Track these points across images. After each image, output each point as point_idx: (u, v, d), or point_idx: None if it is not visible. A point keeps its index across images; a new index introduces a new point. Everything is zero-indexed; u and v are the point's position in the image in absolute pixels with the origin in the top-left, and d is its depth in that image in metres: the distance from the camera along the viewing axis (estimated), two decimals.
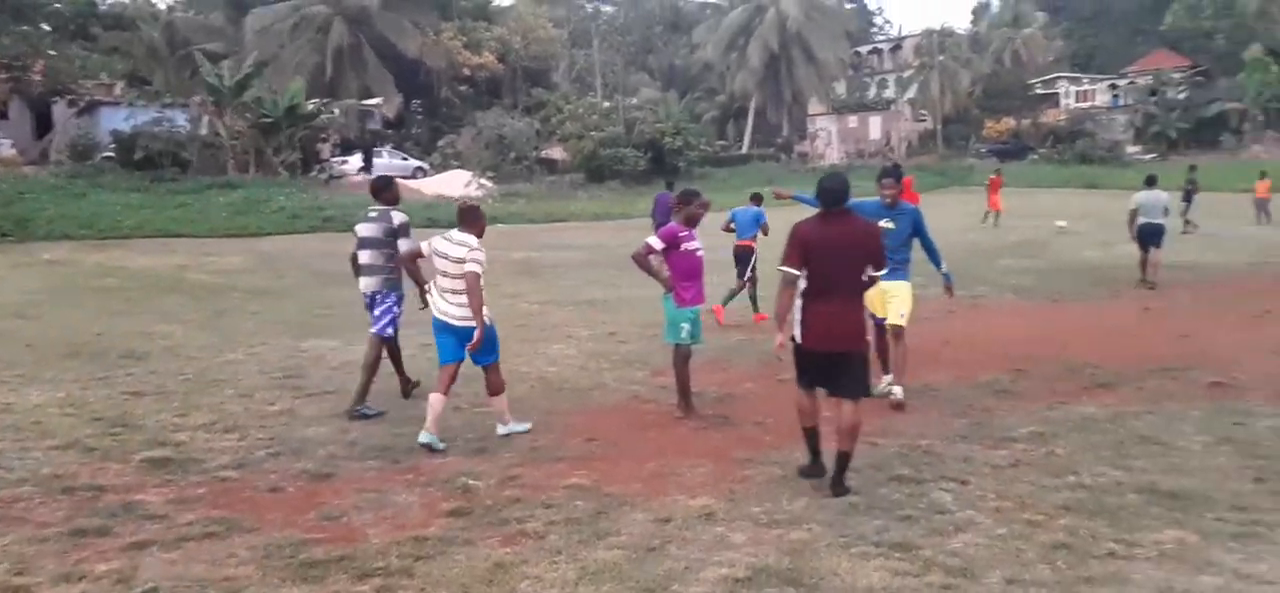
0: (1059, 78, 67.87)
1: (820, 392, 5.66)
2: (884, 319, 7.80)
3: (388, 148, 44.03)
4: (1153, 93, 57.98)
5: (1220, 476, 5.86)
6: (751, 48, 55.82)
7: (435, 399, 6.49)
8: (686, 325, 7.28)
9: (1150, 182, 15.85)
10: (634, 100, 55.57)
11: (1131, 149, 54.56)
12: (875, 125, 67.95)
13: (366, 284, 7.57)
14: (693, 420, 7.29)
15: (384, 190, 7.64)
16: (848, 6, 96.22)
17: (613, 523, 5.09)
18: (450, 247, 6.38)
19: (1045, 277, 16.33)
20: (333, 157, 38.83)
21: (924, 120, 65.40)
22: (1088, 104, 65.04)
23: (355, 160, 39.27)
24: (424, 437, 6.38)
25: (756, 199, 12.85)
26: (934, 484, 5.70)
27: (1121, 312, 12.88)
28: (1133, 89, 61.81)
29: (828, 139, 63.77)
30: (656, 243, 7.20)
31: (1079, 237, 23.35)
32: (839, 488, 5.42)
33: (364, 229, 7.51)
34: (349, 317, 11.18)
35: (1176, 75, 59.96)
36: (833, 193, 5.42)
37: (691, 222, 7.38)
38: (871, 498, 5.46)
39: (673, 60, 71.48)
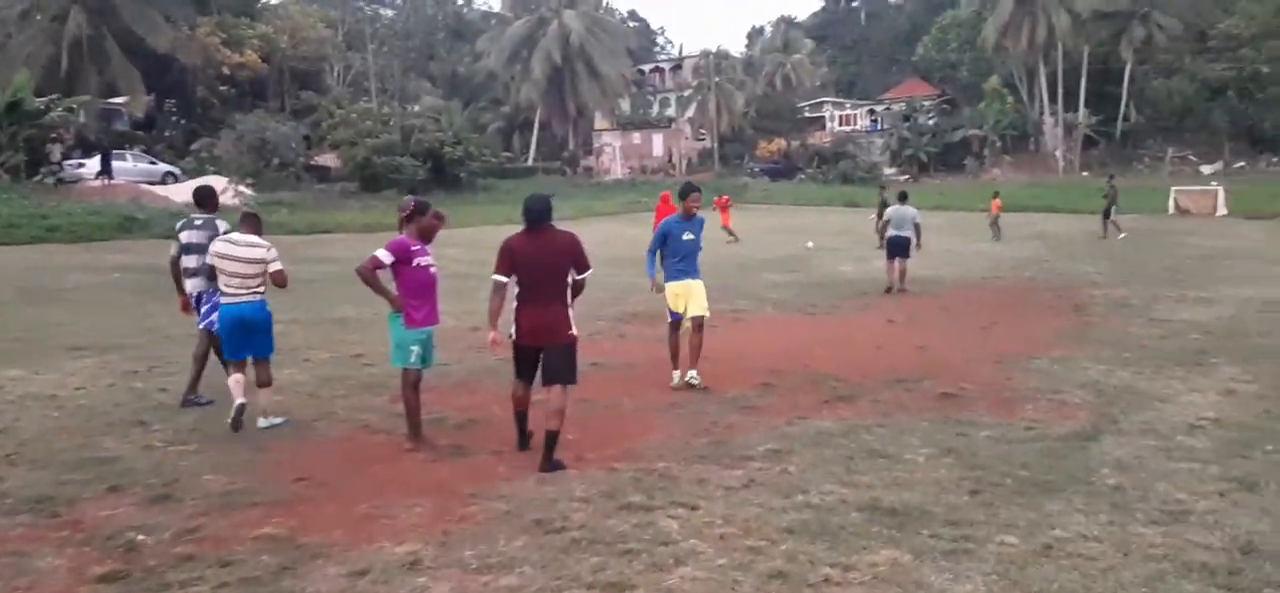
0: (825, 102, 72.25)
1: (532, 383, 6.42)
2: (681, 315, 9.02)
3: (134, 150, 40.12)
4: (906, 118, 62.81)
5: (939, 489, 5.97)
6: (535, 59, 55.66)
7: (235, 381, 7.11)
8: (416, 348, 6.71)
9: (903, 197, 17.40)
10: (416, 107, 53.91)
11: (888, 171, 58.78)
12: (658, 143, 69.59)
13: (193, 285, 8.10)
14: (423, 452, 6.72)
15: (207, 200, 8.30)
16: (630, 25, 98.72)
17: (298, 581, 4.45)
18: (240, 249, 7.18)
19: (803, 291, 16.93)
20: (66, 159, 34.92)
21: (704, 139, 67.62)
22: (850, 128, 69.62)
23: (93, 164, 35.50)
24: (262, 422, 7.24)
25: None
26: (663, 512, 5.45)
27: (869, 324, 13.43)
28: (889, 114, 66.72)
29: (613, 155, 64.58)
30: (385, 256, 6.59)
31: (836, 252, 24.59)
32: (548, 464, 6.18)
33: (189, 235, 8.09)
34: (47, 342, 9.75)
35: (927, 103, 65.27)
36: (535, 211, 6.28)
37: (425, 235, 6.83)
38: (597, 530, 5.12)
39: (456, 68, 70.10)
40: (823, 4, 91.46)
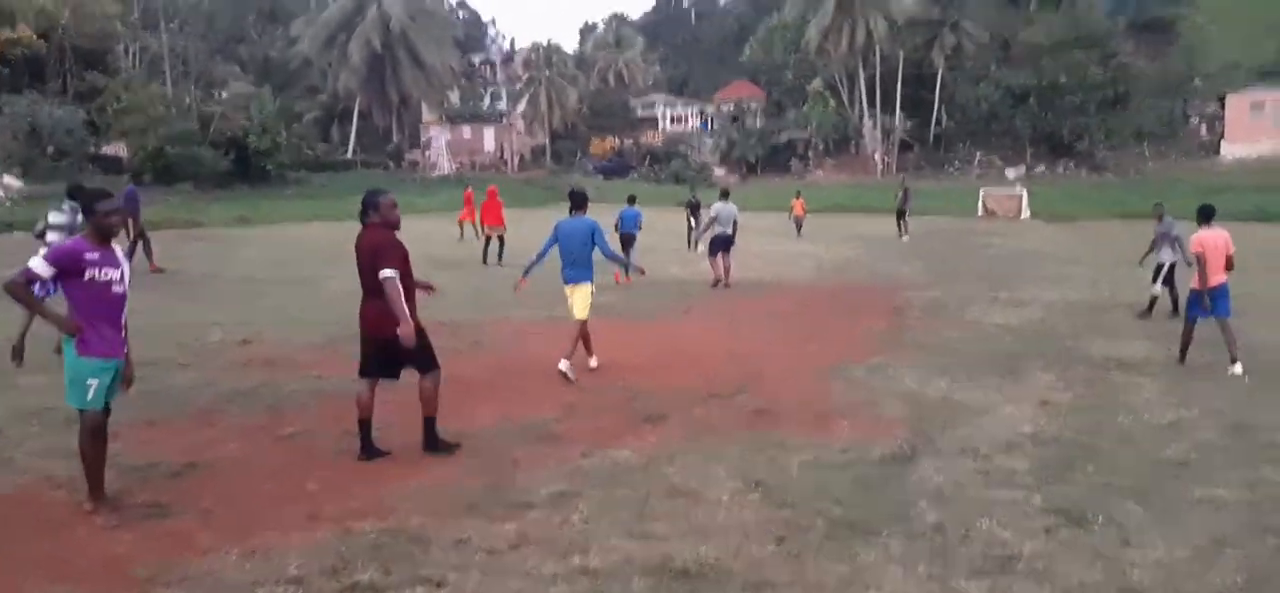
0: (657, 100, 72.37)
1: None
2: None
3: None
4: (735, 119, 63.67)
5: (742, 537, 5.10)
6: (353, 45, 52.79)
7: None
8: (95, 382, 5.23)
9: (724, 194, 17.76)
10: (223, 94, 49.97)
11: (718, 171, 59.34)
12: (489, 137, 67.78)
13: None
14: (105, 514, 5.26)
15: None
16: (460, 15, 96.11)
17: None
18: None
19: (628, 295, 16.03)
20: None
21: (537, 135, 66.33)
22: (682, 127, 70.02)
23: None
24: None
25: (631, 200, 19.73)
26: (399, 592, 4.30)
27: (689, 331, 12.67)
28: (720, 115, 67.49)
29: (440, 149, 62.31)
30: (42, 268, 5.09)
31: (667, 253, 23.96)
32: (432, 446, 6.49)
33: (55, 217, 8.97)
34: None
35: (754, 105, 66.40)
36: (363, 205, 6.30)
37: (104, 235, 5.32)
38: None
39: (268, 53, 65.75)
40: (654, 3, 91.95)
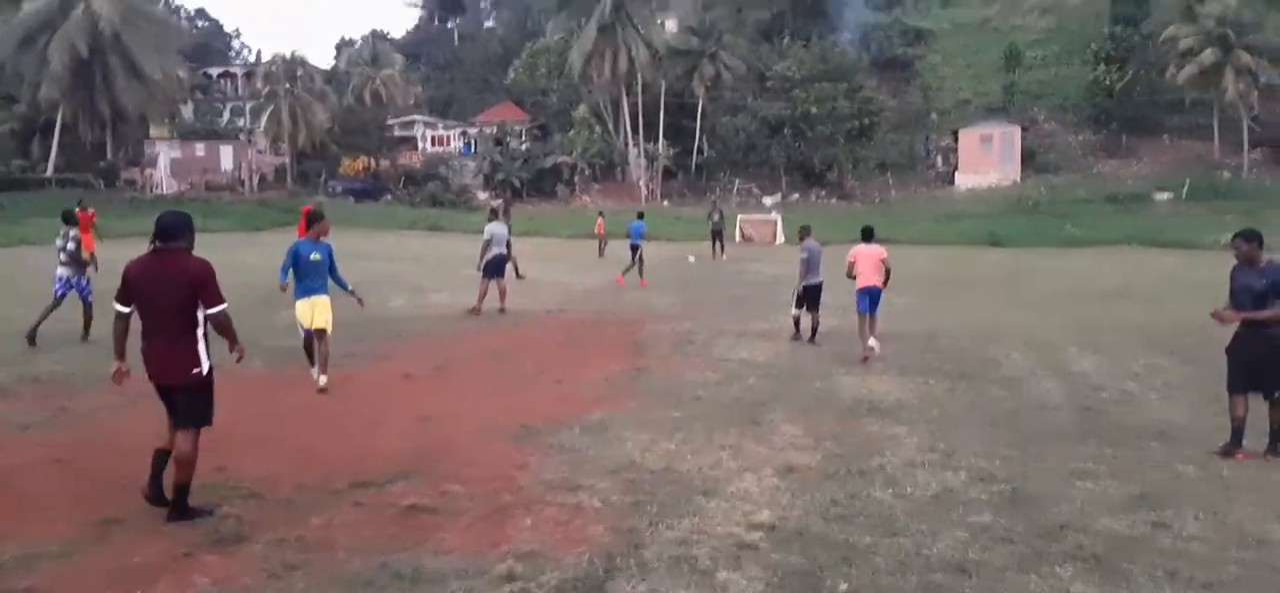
0: (417, 121, 68.70)
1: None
2: (311, 329, 9.39)
3: None
4: (498, 142, 61.30)
5: None
6: (54, 49, 45.77)
7: None
8: None
9: (493, 214, 17.52)
10: None
11: (482, 195, 56.74)
12: (226, 155, 61.54)
13: None
14: None
15: None
16: (199, 23, 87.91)
17: None
18: None
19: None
20: None
21: (283, 154, 60.88)
22: (443, 148, 66.77)
23: None
24: None
25: (640, 216, 23.63)
26: None
27: (378, 381, 10.23)
28: (483, 137, 64.88)
29: (164, 167, 55.77)
30: None
31: (394, 284, 21.23)
32: (174, 512, 5.43)
33: None
34: None
35: (518, 127, 64.38)
36: (161, 229, 5.46)
37: None
38: None
39: None
40: (416, 22, 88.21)
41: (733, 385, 10.07)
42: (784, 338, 13.52)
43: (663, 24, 59.92)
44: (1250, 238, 7.39)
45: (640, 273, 21.38)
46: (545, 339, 13.34)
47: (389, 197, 54.89)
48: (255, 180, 58.13)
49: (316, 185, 55.30)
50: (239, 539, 5.23)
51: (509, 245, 16.52)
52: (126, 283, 5.47)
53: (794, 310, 13.53)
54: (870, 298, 12.05)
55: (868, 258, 12.18)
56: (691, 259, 28.16)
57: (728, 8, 63.05)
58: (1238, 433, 7.26)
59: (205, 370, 5.46)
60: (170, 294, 5.37)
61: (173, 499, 5.44)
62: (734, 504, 5.86)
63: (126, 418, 7.65)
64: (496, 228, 16.15)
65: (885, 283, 12.17)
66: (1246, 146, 46.81)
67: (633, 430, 7.84)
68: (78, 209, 17.94)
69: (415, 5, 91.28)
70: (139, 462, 5.76)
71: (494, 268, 15.95)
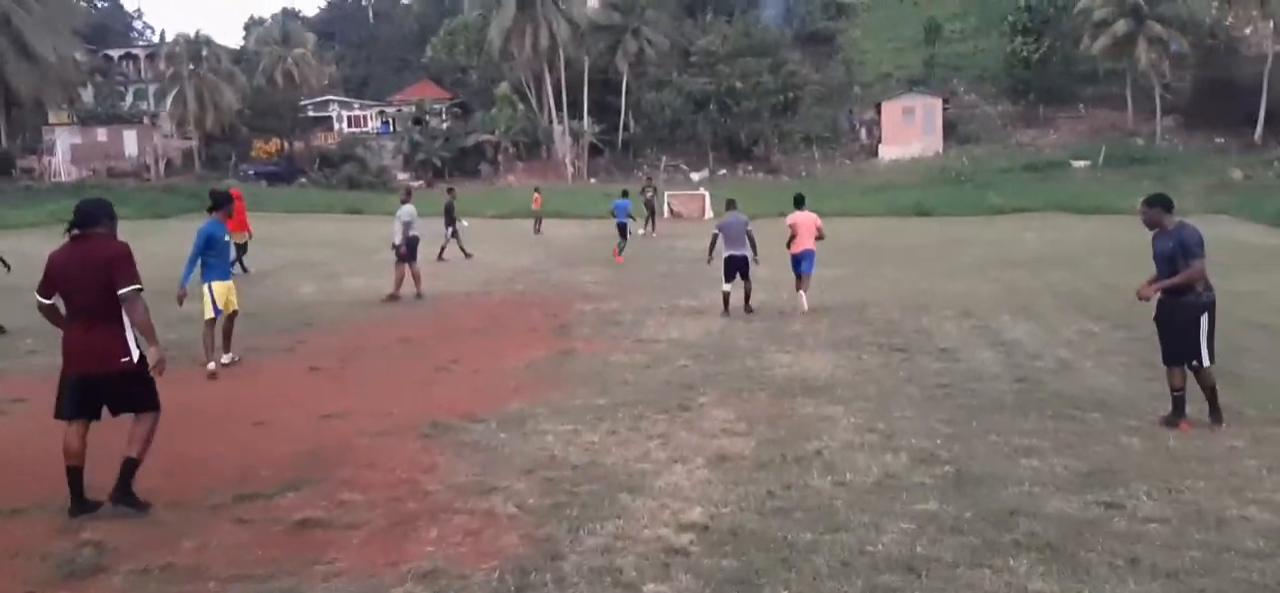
0: (331, 101, 66.49)
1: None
2: (222, 311, 9.56)
3: None
4: (417, 121, 59.66)
5: None
6: None
7: None
8: None
9: (408, 194, 16.73)
10: None
11: (402, 175, 55.20)
12: (130, 140, 58.72)
13: None
14: None
15: None
16: (99, 4, 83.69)
17: None
18: None
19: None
20: None
21: (191, 138, 58.34)
22: (360, 130, 64.79)
23: None
24: None
25: (624, 193, 25.14)
26: None
27: (280, 376, 9.48)
28: (401, 117, 63.10)
29: (62, 154, 52.99)
30: None
31: (309, 268, 20.23)
32: (121, 497, 5.22)
33: None
34: None
35: (438, 106, 62.76)
36: (78, 215, 5.30)
37: None
38: None
39: None
40: (328, 1, 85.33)
41: (662, 368, 9.57)
42: (714, 314, 13.10)
43: (585, 0, 59.01)
44: (1153, 203, 7.12)
45: (620, 250, 21.99)
46: (464, 325, 12.67)
47: (303, 179, 53.04)
48: (162, 166, 55.61)
49: (227, 169, 53.12)
50: (96, 570, 4.53)
51: (405, 228, 15.28)
52: (48, 274, 5.32)
53: (724, 286, 13.15)
54: (807, 260, 13.07)
55: (805, 224, 13.15)
56: (640, 233, 27.72)
57: None
58: (1178, 404, 7.02)
59: (135, 358, 5.25)
60: (93, 280, 5.19)
61: (119, 478, 5.24)
62: (662, 502, 5.34)
63: None
64: (408, 210, 15.44)
65: (817, 241, 13.31)
66: (1159, 114, 48.09)
67: (554, 422, 7.28)
68: None
69: None
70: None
71: (409, 252, 15.25)
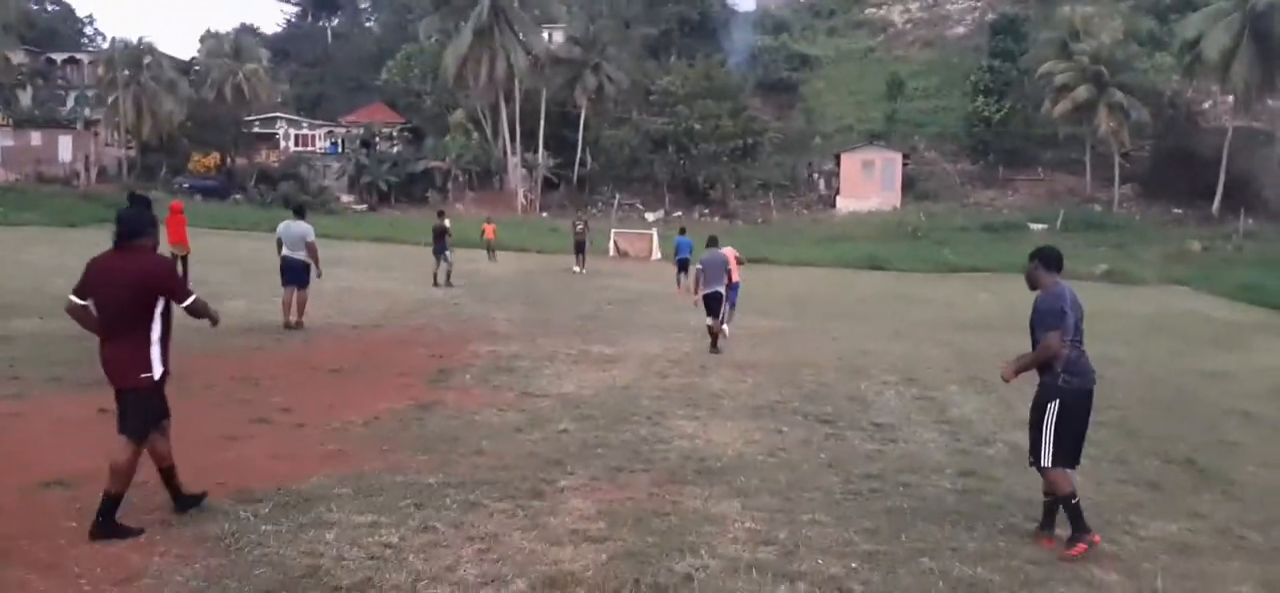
0: (279, 118, 64.26)
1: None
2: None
3: None
4: (365, 144, 57.66)
5: None
6: None
7: None
8: None
9: (299, 212, 14.27)
10: None
11: (346, 198, 53.12)
12: (65, 145, 56.17)
13: None
14: None
15: None
16: (49, 7, 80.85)
17: None
18: None
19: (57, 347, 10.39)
20: None
21: (133, 146, 55.87)
22: (306, 148, 62.60)
23: None
24: None
25: (682, 230, 26.25)
26: None
27: (51, 414, 7.56)
28: (350, 138, 61.09)
29: None
30: None
31: (194, 287, 18.17)
32: (97, 528, 4.96)
33: None
34: None
35: (387, 130, 60.86)
36: (123, 224, 5.20)
37: None
38: None
39: None
40: (289, 19, 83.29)
41: (534, 432, 7.79)
42: (630, 363, 11.40)
43: (550, 36, 57.68)
44: (1033, 256, 5.77)
45: (680, 284, 22.48)
46: (324, 364, 10.74)
47: (238, 195, 50.71)
48: (93, 173, 53.00)
49: (160, 180, 50.67)
50: None
51: (311, 250, 13.36)
52: (87, 278, 5.19)
53: (707, 320, 13.16)
54: (734, 291, 13.93)
55: (720, 265, 13.32)
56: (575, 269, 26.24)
57: (614, 22, 61.16)
58: (1048, 510, 5.73)
59: (156, 376, 5.16)
60: (125, 293, 5.08)
61: (99, 510, 5.01)
62: None
63: None
64: (288, 228, 13.53)
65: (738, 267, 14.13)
66: (1117, 181, 47.59)
67: (353, 507, 5.48)
68: None
69: (288, 1, 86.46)
70: None
71: (293, 276, 13.36)
